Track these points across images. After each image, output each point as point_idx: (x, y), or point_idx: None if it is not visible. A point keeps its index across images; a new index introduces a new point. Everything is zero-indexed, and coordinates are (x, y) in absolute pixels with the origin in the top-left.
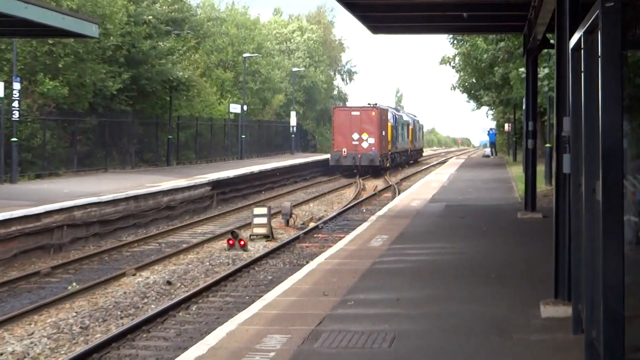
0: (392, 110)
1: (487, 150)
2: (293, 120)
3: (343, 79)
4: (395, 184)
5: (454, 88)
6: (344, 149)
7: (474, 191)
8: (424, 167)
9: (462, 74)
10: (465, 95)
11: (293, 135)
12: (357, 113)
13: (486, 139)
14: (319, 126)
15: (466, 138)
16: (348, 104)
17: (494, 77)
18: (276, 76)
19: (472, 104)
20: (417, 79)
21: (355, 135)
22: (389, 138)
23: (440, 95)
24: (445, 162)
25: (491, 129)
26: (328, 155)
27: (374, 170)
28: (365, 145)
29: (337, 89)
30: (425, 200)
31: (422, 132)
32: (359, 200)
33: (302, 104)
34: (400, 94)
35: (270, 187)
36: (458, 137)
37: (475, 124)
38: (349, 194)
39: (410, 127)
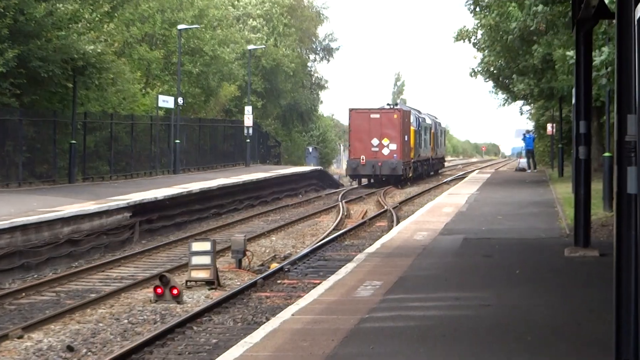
0: (414, 112)
1: (522, 162)
2: (248, 119)
3: (320, 59)
4: (393, 208)
5: (475, 74)
6: (362, 157)
7: (504, 219)
8: (432, 185)
9: (486, 53)
10: (490, 83)
11: (248, 141)
12: (377, 116)
13: (520, 145)
14: (285, 127)
15: (492, 144)
16: (326, 94)
17: (531, 59)
18: (225, 55)
19: (501, 96)
20: (424, 61)
21: (375, 141)
22: (412, 144)
23: (456, 83)
24: (464, 177)
25: (528, 132)
26: (297, 169)
27: (395, 181)
28: (386, 152)
29: (313, 74)
30: (435, 231)
31: (445, 137)
32: (341, 232)
33: (262, 96)
34: (402, 81)
35: (216, 213)
36: (481, 142)
37: (506, 124)
38: (327, 222)
39: (432, 131)
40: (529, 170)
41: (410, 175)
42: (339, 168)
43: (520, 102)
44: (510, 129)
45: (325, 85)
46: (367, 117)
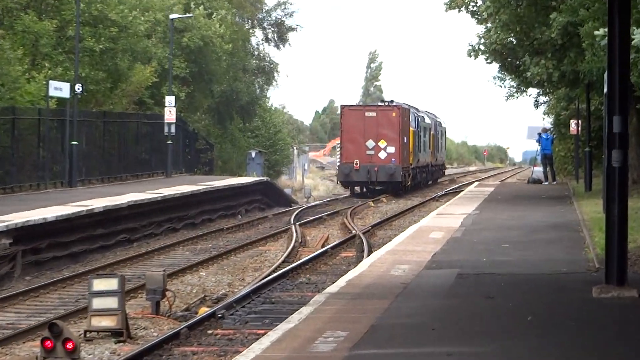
0: (413, 110)
1: (537, 171)
2: (170, 114)
3: (269, 38)
4: (364, 232)
5: (475, 53)
6: (356, 161)
7: (512, 248)
8: (416, 203)
9: (489, 26)
10: (494, 66)
11: (170, 142)
12: (373, 114)
13: (535, 148)
14: (220, 125)
15: (497, 148)
16: (283, 86)
17: (549, 32)
18: (139, 25)
19: (509, 83)
20: (407, 38)
21: (371, 143)
22: (411, 147)
23: (449, 67)
24: (459, 192)
25: (544, 131)
26: (236, 180)
27: (394, 189)
28: (382, 155)
29: (261, 56)
30: (420, 264)
31: (445, 139)
32: (294, 265)
33: (188, 82)
34: (378, 63)
35: (126, 240)
36: (482, 145)
37: (515, 121)
38: (276, 252)
39: (432, 132)
40: (546, 183)
41: (409, 183)
42: (291, 179)
43: (534, 91)
44: (522, 127)
45: (276, 69)
46: (361, 116)
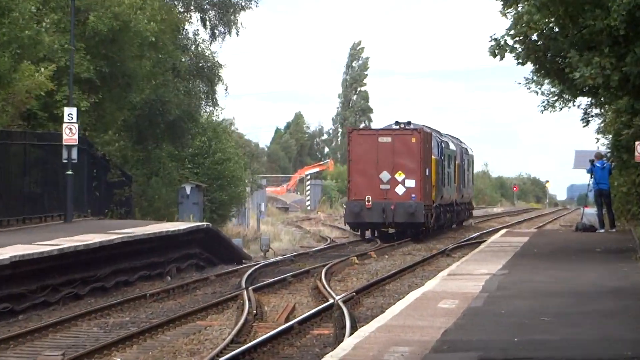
0: (435, 133)
1: (590, 214)
2: (71, 132)
3: (209, 20)
4: (345, 300)
5: (501, 50)
6: (368, 197)
7: (555, 322)
8: (418, 259)
9: (522, 9)
10: (528, 66)
11: (71, 173)
12: (388, 139)
13: (586, 182)
14: (142, 148)
15: (533, 181)
16: (225, 87)
17: (606, 18)
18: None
19: (548, 88)
20: (400, 25)
21: (385, 175)
22: (433, 181)
23: (460, 67)
24: (479, 242)
25: (599, 158)
26: (164, 227)
27: (414, 232)
28: (400, 190)
29: (195, 46)
30: (425, 345)
31: (473, 170)
32: (246, 347)
33: (96, 87)
34: (363, 60)
35: (9, 311)
36: (510, 177)
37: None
38: (220, 329)
39: (457, 161)
40: (602, 230)
41: (432, 225)
42: (242, 225)
43: (584, 101)
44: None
45: (219, 71)
46: (373, 141)
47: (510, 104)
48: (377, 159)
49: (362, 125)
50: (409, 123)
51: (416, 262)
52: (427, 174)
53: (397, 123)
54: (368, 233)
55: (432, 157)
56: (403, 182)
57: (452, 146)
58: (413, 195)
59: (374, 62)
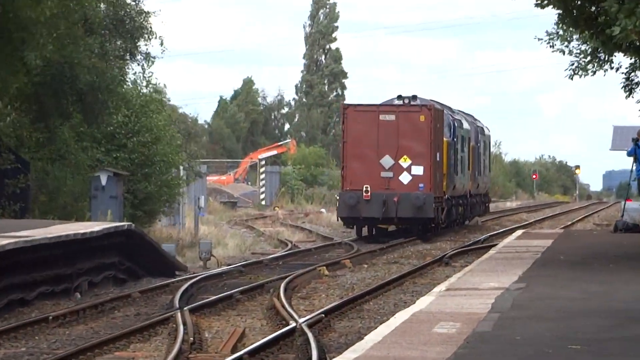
0: (447, 111)
1: (633, 209)
2: None
3: None
4: (311, 324)
5: None
6: (366, 187)
7: (587, 351)
8: (407, 270)
9: None
10: (550, 13)
11: None
12: (391, 117)
13: (627, 166)
14: (41, 128)
15: (559, 167)
16: (154, 46)
17: None
18: None
19: (575, 47)
20: None
21: (388, 161)
22: (444, 168)
23: (458, 13)
24: (487, 248)
25: None
26: (70, 228)
27: (421, 229)
28: (405, 179)
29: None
30: None
31: (489, 154)
32: None
33: None
34: (331, 3)
35: None
36: (528, 161)
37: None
38: None
39: (471, 144)
40: None
41: (443, 221)
42: (175, 226)
43: (625, 61)
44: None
45: (144, 22)
46: (374, 120)
47: (529, 67)
48: (378, 141)
49: (354, 102)
50: (414, 97)
51: (405, 273)
52: (438, 159)
53: (399, 97)
54: (365, 230)
55: (444, 139)
56: (409, 169)
57: (465, 125)
58: (421, 185)
59: (346, 12)
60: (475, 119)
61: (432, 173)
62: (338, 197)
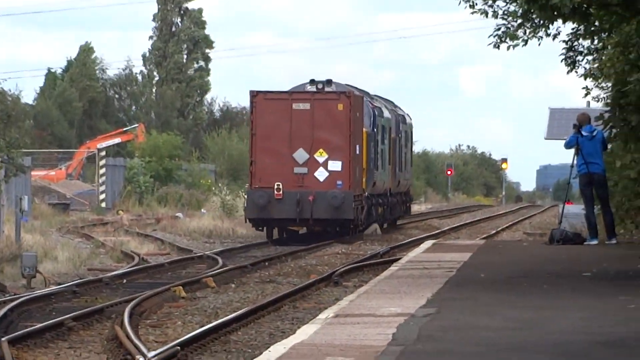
0: (366, 97)
1: (574, 214)
2: None
3: None
4: (162, 358)
5: None
6: (277, 184)
7: None
8: (287, 291)
9: None
10: None
11: None
12: (306, 106)
13: (565, 161)
14: None
15: (480, 160)
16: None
17: None
18: None
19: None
20: None
21: (302, 155)
22: (364, 162)
23: None
24: (388, 262)
25: (587, 121)
26: None
27: (341, 230)
28: (322, 175)
29: None
30: None
31: (411, 147)
32: None
33: None
34: None
35: None
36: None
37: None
38: None
39: (392, 135)
40: (593, 241)
41: (362, 222)
42: None
43: (565, 28)
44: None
45: None
46: (286, 109)
47: (443, 35)
48: (291, 133)
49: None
50: (329, 82)
51: (283, 295)
52: (357, 152)
53: (312, 82)
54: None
55: (364, 129)
56: (326, 165)
57: (386, 113)
58: (339, 182)
59: None
60: (396, 106)
61: (352, 168)
62: (246, 196)
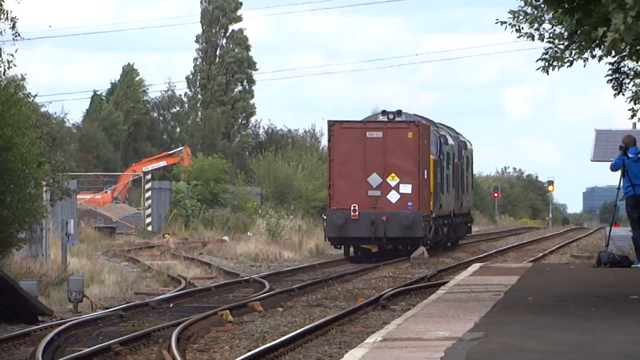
0: (432, 126)
1: (621, 236)
2: None
3: None
4: None
5: None
6: (354, 206)
7: None
8: (334, 315)
9: None
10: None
11: None
12: (379, 134)
13: (612, 183)
14: None
15: (527, 183)
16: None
17: None
18: None
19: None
20: None
21: (375, 179)
22: (431, 186)
23: None
24: (435, 286)
25: (635, 144)
26: None
27: (411, 247)
28: (394, 198)
29: None
30: None
31: (472, 171)
32: None
33: None
34: None
35: None
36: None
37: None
38: None
39: (455, 160)
40: None
41: (430, 241)
42: (37, 257)
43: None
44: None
45: None
46: (360, 137)
47: (489, 56)
48: (365, 158)
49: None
50: (399, 112)
51: (330, 319)
52: (425, 177)
53: (384, 112)
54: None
55: (430, 156)
56: (397, 188)
57: (450, 141)
58: (409, 204)
59: None
60: (458, 133)
61: (421, 191)
62: (325, 217)
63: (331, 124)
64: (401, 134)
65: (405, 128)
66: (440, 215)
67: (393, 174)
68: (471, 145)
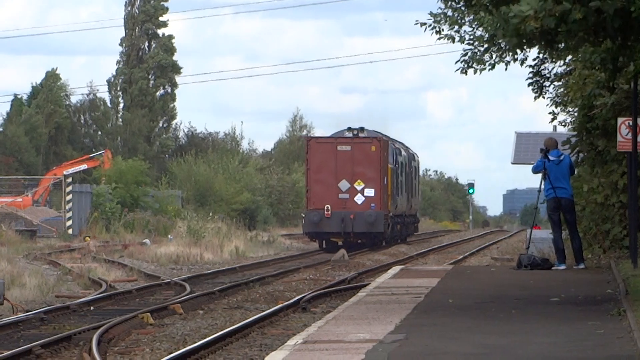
0: (390, 141)
1: (541, 238)
2: None
3: None
4: None
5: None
6: (327, 206)
7: None
8: (255, 317)
9: None
10: None
11: None
12: (347, 147)
13: (532, 185)
14: None
15: (447, 184)
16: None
17: None
18: None
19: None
20: None
21: (345, 185)
22: (389, 190)
23: None
24: (355, 288)
25: (554, 146)
26: None
27: (374, 241)
28: (360, 200)
29: None
30: None
31: (419, 178)
32: None
33: None
34: None
35: None
36: None
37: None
38: None
39: (407, 169)
40: (561, 267)
41: (389, 235)
42: None
43: (532, 52)
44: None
45: None
46: (332, 150)
47: (411, 60)
48: (337, 168)
49: (315, 135)
50: (362, 129)
51: (251, 322)
52: (385, 182)
53: (349, 129)
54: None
55: (389, 165)
56: (362, 191)
57: (403, 153)
58: (372, 204)
59: None
60: (407, 147)
61: (381, 195)
62: (304, 215)
63: (308, 139)
64: (366, 147)
65: (369, 143)
66: (396, 214)
67: (359, 180)
68: (418, 157)
